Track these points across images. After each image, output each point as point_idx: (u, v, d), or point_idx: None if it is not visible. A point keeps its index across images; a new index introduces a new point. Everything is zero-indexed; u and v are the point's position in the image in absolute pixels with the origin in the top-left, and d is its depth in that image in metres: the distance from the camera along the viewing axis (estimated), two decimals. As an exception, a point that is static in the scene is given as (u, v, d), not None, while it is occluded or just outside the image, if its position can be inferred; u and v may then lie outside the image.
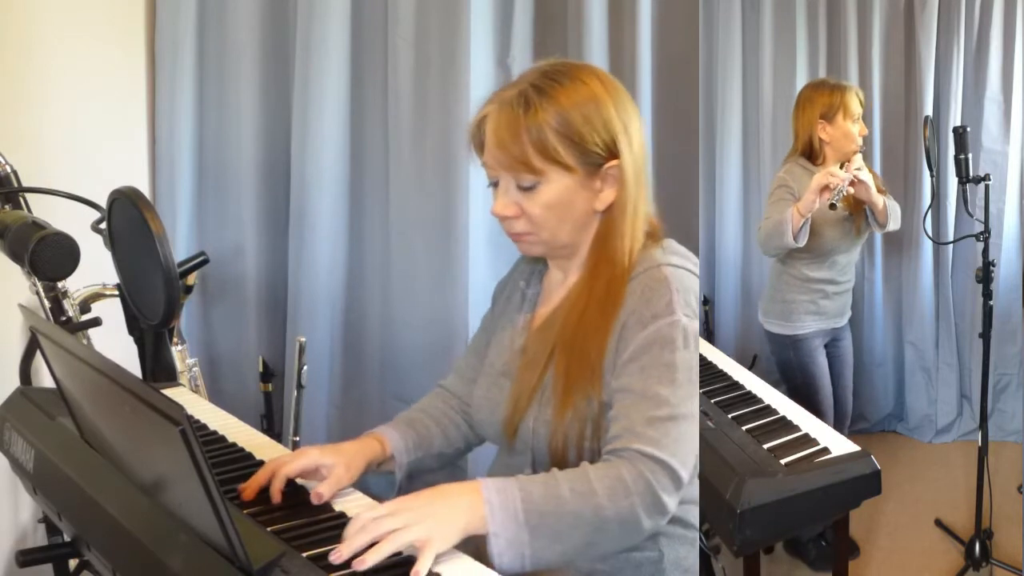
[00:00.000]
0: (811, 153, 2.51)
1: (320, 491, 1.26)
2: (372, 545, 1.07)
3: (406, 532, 1.07)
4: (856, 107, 2.49)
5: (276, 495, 1.27)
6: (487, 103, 1.35)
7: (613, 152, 1.32)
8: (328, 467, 1.31)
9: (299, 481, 1.31)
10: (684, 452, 1.22)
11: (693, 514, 1.38)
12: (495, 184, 1.36)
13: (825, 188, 2.28)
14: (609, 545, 1.21)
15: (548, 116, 1.29)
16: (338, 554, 1.05)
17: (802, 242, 2.32)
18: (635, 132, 1.35)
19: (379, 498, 1.37)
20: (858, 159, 2.41)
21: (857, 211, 2.48)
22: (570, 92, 1.30)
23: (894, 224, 2.52)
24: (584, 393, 1.29)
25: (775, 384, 2.18)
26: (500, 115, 1.31)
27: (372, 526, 1.08)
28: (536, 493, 1.16)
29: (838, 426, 2.67)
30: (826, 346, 2.59)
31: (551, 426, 1.31)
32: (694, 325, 1.27)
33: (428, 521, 1.09)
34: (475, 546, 1.14)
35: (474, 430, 1.54)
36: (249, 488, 1.27)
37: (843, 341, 2.64)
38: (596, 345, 1.30)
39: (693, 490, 1.39)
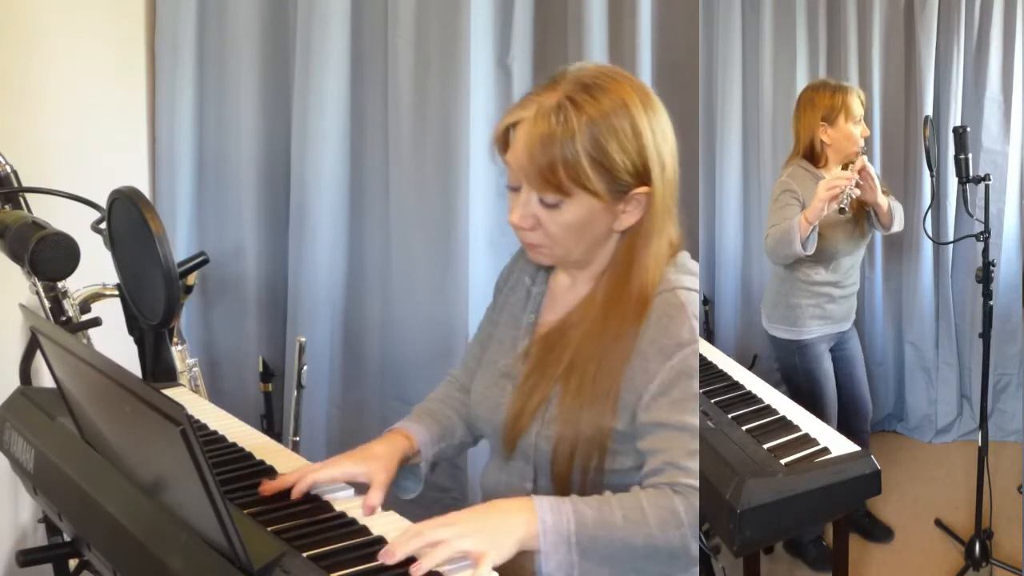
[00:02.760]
0: (813, 156, 2.50)
1: (372, 503, 1.25)
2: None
3: (462, 541, 1.09)
4: (857, 108, 2.47)
5: (297, 495, 1.26)
6: (521, 107, 1.29)
7: (643, 179, 1.28)
8: (365, 475, 1.30)
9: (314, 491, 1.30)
10: None
11: None
12: (515, 189, 1.31)
13: (834, 196, 2.27)
14: (657, 571, 1.22)
15: (583, 138, 1.24)
16: (390, 554, 1.07)
17: (810, 250, 2.31)
18: (669, 155, 1.31)
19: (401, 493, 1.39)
20: (862, 159, 2.40)
21: (859, 211, 2.47)
22: (609, 115, 1.25)
23: (898, 225, 2.51)
24: (594, 417, 1.28)
25: (775, 384, 2.17)
26: (535, 127, 1.25)
27: (428, 533, 1.09)
28: (589, 517, 1.16)
29: (860, 424, 2.68)
30: (831, 349, 2.59)
31: (554, 443, 1.30)
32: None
33: (484, 534, 1.11)
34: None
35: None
36: (271, 487, 1.27)
37: (850, 343, 2.64)
38: (612, 372, 1.28)
39: None
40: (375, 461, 1.33)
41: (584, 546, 1.15)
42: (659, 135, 1.29)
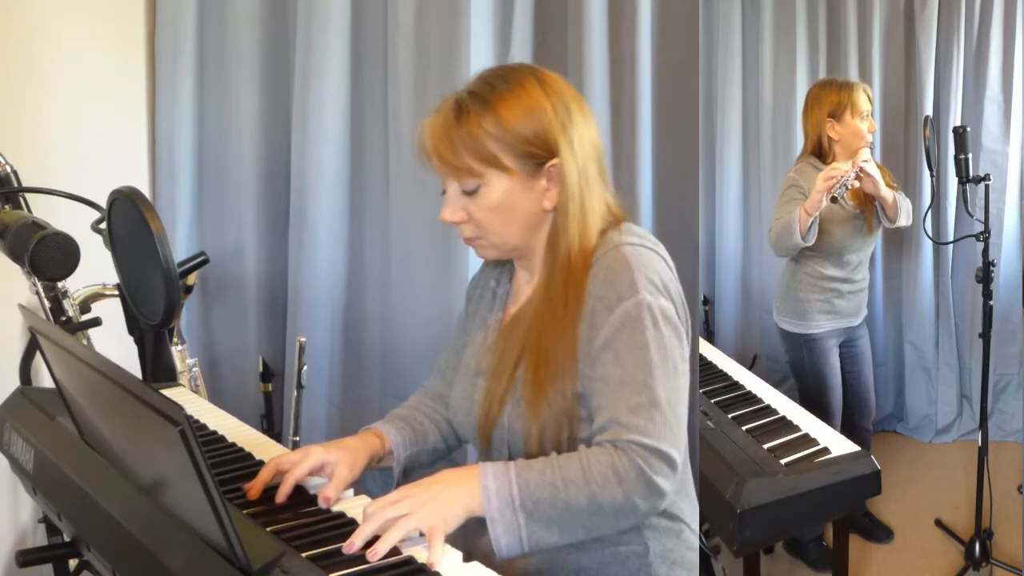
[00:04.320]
0: (821, 152, 2.52)
1: (327, 495, 1.27)
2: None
3: (411, 519, 1.13)
4: (864, 104, 2.49)
5: (283, 498, 1.27)
6: (431, 113, 1.37)
7: (553, 152, 1.32)
8: (332, 464, 1.32)
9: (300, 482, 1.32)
10: (673, 434, 1.22)
11: (679, 507, 1.37)
12: (445, 192, 1.38)
13: (831, 187, 2.28)
14: (607, 527, 1.24)
15: (482, 120, 1.30)
16: (349, 544, 1.11)
17: (810, 241, 2.33)
18: (578, 130, 1.34)
19: (375, 495, 1.38)
20: (864, 152, 2.42)
21: (867, 207, 2.48)
22: (505, 96, 1.31)
23: (905, 219, 2.52)
24: (557, 389, 1.30)
25: (775, 384, 2.18)
26: (435, 123, 1.33)
27: (379, 515, 1.13)
28: (532, 481, 1.19)
29: (863, 421, 2.71)
30: (841, 345, 2.60)
31: (524, 421, 1.31)
32: (661, 302, 1.26)
33: (430, 507, 1.15)
34: (465, 548, 1.16)
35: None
36: (254, 488, 1.28)
37: (859, 340, 2.65)
38: (563, 342, 1.30)
39: (680, 481, 1.38)
40: (345, 453, 1.35)
41: (529, 509, 1.18)
42: (561, 111, 1.33)
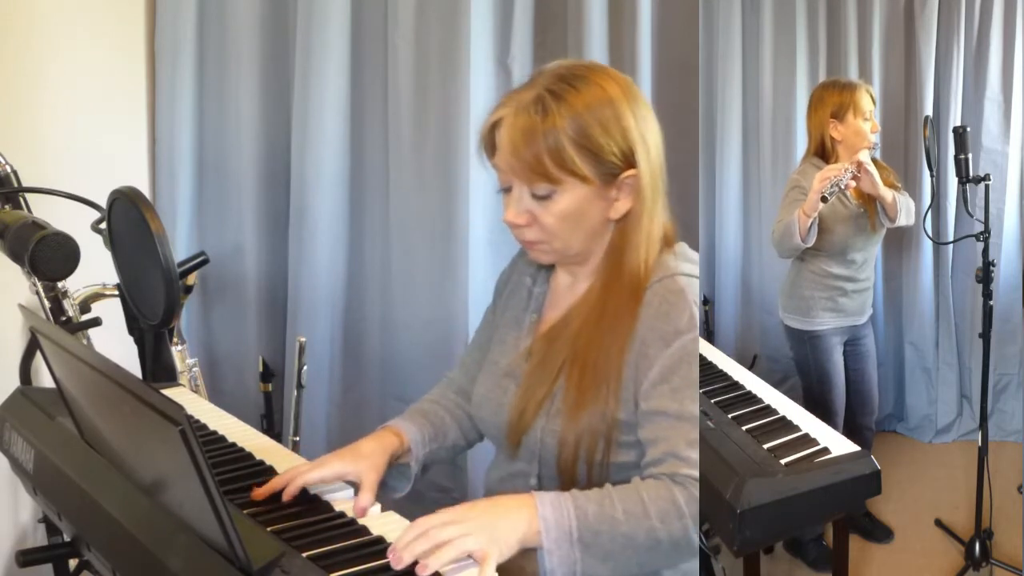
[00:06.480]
0: (824, 153, 2.52)
1: (363, 504, 1.24)
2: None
3: (467, 540, 1.08)
4: (867, 104, 2.49)
5: (288, 497, 1.26)
6: (501, 105, 1.30)
7: (630, 161, 1.28)
8: (355, 474, 1.29)
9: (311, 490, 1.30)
10: None
11: None
12: (507, 190, 1.32)
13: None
14: (660, 563, 1.22)
15: (565, 124, 1.24)
16: (398, 558, 1.06)
17: (810, 242, 2.34)
18: (652, 139, 1.31)
19: (392, 489, 1.38)
20: (863, 154, 2.42)
21: (870, 206, 2.49)
22: (588, 99, 1.26)
23: (906, 219, 2.52)
24: (598, 407, 1.27)
25: (775, 384, 2.18)
26: (516, 121, 1.26)
27: (433, 533, 1.08)
28: (590, 512, 1.16)
29: (865, 420, 2.72)
30: (845, 343, 2.60)
31: (560, 437, 1.29)
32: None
33: (487, 533, 1.10)
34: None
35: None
36: (262, 491, 1.26)
37: (864, 339, 2.66)
38: (613, 360, 1.28)
39: None
40: (364, 460, 1.32)
41: (587, 541, 1.14)
42: (641, 121, 1.30)
